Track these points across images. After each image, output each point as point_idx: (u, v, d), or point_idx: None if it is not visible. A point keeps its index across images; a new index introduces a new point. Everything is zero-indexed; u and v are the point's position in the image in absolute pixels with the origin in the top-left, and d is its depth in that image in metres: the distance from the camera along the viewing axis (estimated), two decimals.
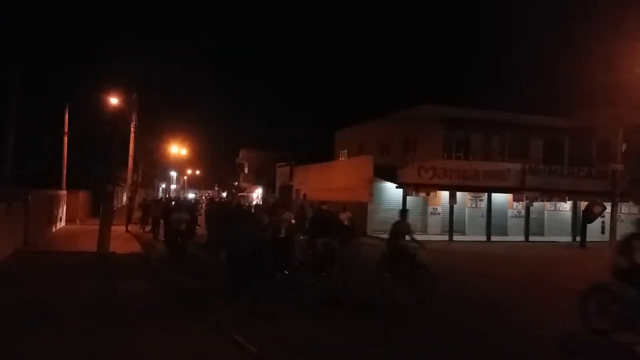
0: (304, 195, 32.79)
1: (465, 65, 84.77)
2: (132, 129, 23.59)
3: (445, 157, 25.65)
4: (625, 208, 24.40)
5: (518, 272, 13.96)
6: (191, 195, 53.57)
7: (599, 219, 23.12)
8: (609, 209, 21.56)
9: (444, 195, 23.65)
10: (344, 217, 16.16)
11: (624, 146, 21.45)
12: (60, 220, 22.40)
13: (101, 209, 15.74)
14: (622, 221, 23.41)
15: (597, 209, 22.07)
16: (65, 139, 24.45)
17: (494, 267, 14.48)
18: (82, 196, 26.68)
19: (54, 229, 20.32)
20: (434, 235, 23.33)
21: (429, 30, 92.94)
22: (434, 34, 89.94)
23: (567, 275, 13.24)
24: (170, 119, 56.21)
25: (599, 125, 24.71)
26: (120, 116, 21.12)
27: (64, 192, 23.60)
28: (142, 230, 21.70)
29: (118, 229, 20.35)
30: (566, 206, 25.70)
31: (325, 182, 29.69)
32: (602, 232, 23.68)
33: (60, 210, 22.38)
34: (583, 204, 23.17)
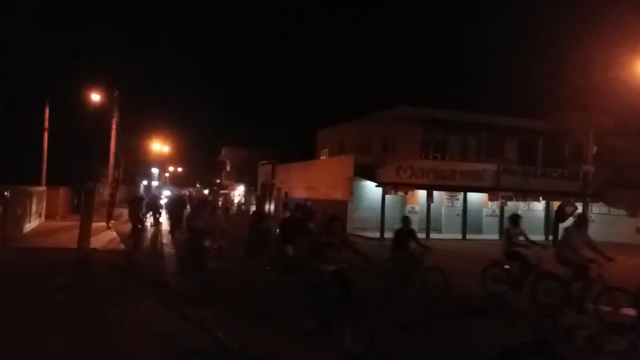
0: (286, 193, 33.03)
1: (444, 67, 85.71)
2: (114, 126, 23.59)
3: (423, 157, 26.14)
4: (596, 208, 25.14)
5: None
6: (166, 193, 53.12)
7: (571, 219, 23.72)
8: (580, 209, 22.24)
9: (422, 194, 24.12)
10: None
11: (594, 148, 22.15)
12: (40, 217, 22.33)
13: (82, 205, 15.82)
14: (594, 221, 24.13)
15: (569, 209, 22.69)
16: (46, 134, 24.33)
17: (470, 265, 14.53)
18: (63, 192, 26.57)
19: (33, 226, 20.27)
20: None
21: (409, 33, 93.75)
22: (413, 37, 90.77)
23: None
24: (153, 116, 56.25)
25: (572, 128, 25.37)
26: (101, 113, 21.12)
27: (44, 188, 23.50)
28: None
29: (99, 225, 20.44)
30: (539, 206, 26.34)
31: (306, 180, 30.01)
32: None
33: (40, 206, 22.31)
34: (556, 204, 23.82)
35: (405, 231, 10.26)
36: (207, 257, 10.11)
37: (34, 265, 11.72)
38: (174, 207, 21.30)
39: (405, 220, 10.61)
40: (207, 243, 10.48)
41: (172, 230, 18.92)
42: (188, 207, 20.55)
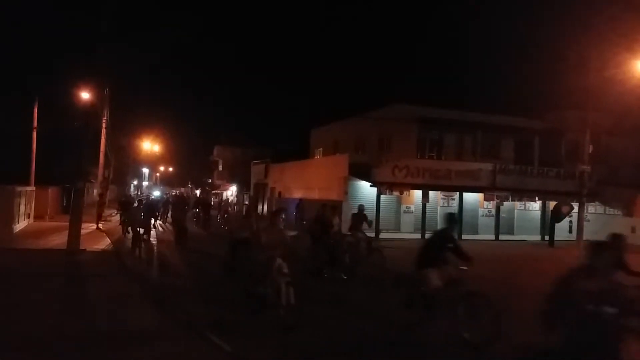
0: (279, 193, 32.76)
1: (440, 66, 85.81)
2: (104, 125, 23.18)
3: (419, 156, 25.92)
4: (592, 208, 25.06)
5: (491, 271, 14.01)
6: (157, 193, 52.70)
7: (567, 219, 23.74)
8: (576, 208, 22.16)
9: (417, 194, 23.92)
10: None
11: (591, 148, 22.07)
12: (29, 217, 21.91)
13: (71, 205, 15.46)
14: (589, 221, 24.08)
15: (565, 209, 22.67)
16: (34, 133, 23.91)
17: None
18: (52, 192, 26.18)
19: (22, 226, 19.87)
20: (407, 233, 23.60)
21: (405, 32, 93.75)
22: (410, 35, 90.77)
23: (540, 273, 13.35)
24: (144, 115, 55.58)
25: (568, 127, 25.30)
26: (91, 111, 20.69)
27: (33, 188, 23.08)
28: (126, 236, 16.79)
29: (89, 226, 20.09)
30: (535, 206, 26.23)
31: (300, 180, 29.71)
32: (570, 231, 24.26)
33: (29, 206, 21.88)
34: (552, 204, 23.73)
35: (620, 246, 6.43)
36: (281, 285, 7.15)
37: (25, 270, 11.31)
38: (176, 210, 18.57)
39: (618, 238, 6.47)
40: (276, 264, 7.44)
41: (179, 238, 16.42)
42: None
